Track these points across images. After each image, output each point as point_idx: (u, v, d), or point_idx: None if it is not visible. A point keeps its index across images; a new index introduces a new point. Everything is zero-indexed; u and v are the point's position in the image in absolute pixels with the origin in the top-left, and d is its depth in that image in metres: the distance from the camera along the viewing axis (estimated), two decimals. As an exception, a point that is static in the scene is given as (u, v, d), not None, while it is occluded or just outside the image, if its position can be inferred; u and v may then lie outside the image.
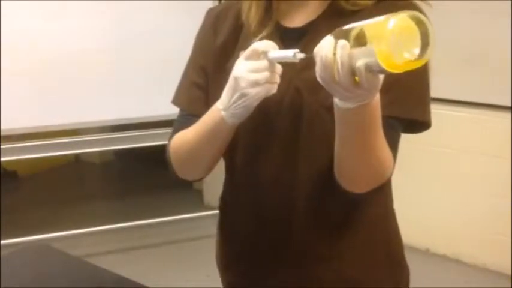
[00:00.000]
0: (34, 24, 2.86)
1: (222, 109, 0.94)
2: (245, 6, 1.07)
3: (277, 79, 0.91)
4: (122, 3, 2.99)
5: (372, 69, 0.69)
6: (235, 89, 0.90)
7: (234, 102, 0.91)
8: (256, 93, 0.89)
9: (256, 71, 0.88)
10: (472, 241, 3.10)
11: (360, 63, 0.69)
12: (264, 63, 0.89)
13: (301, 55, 0.83)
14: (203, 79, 1.11)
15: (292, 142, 1.02)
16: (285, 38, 1.03)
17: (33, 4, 2.84)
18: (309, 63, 0.90)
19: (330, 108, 0.98)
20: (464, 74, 2.93)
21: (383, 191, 1.07)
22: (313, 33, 1.00)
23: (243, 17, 1.07)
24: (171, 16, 3.00)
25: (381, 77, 0.73)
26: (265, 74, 0.88)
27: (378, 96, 0.80)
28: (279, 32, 1.04)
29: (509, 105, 2.80)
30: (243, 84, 0.89)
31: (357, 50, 0.70)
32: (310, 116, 0.99)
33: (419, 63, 0.68)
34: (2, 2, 2.75)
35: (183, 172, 1.11)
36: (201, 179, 1.14)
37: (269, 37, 1.03)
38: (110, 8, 2.98)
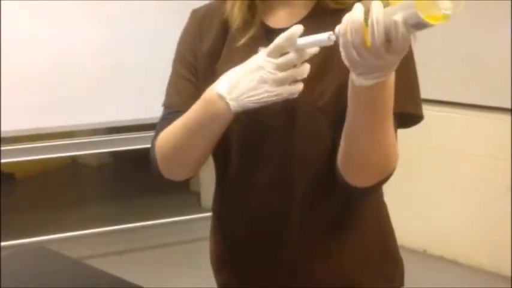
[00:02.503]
0: (32, 27, 2.86)
1: (229, 98, 0.88)
2: (228, 3, 1.06)
3: (305, 74, 0.86)
4: (119, 6, 3.00)
5: (408, 23, 0.68)
6: (257, 84, 0.86)
7: (251, 96, 0.87)
8: (278, 94, 0.86)
9: (284, 67, 0.85)
10: (469, 242, 3.10)
11: (397, 16, 0.68)
12: (290, 57, 0.85)
13: (334, 37, 0.79)
14: (193, 75, 1.08)
15: (286, 143, 1.02)
16: (272, 39, 1.02)
17: (32, 8, 2.84)
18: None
19: (323, 109, 0.98)
20: (465, 76, 2.93)
21: None
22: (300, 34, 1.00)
23: (226, 14, 1.06)
24: (167, 18, 3.00)
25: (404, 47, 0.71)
26: (295, 73, 0.85)
27: (392, 75, 0.80)
28: (265, 32, 1.03)
29: (509, 107, 2.81)
30: (269, 81, 0.85)
31: (390, 8, 0.70)
32: (304, 117, 0.99)
33: (448, 17, 0.67)
34: (2, 5, 2.75)
35: (169, 170, 1.05)
36: (187, 179, 1.08)
37: (255, 38, 1.03)
38: (106, 11, 2.98)
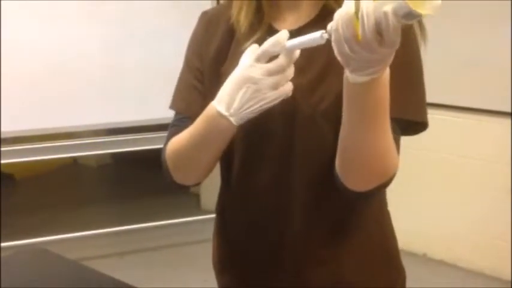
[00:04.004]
0: (33, 28, 2.87)
1: (228, 115, 0.90)
2: (235, 8, 1.06)
3: (293, 73, 0.88)
4: (119, 7, 3.00)
5: (398, 14, 0.69)
6: (252, 94, 0.87)
7: (249, 107, 0.88)
8: (275, 98, 0.87)
9: (275, 72, 0.86)
10: (469, 246, 3.10)
11: (386, 7, 0.68)
12: (281, 62, 0.86)
13: (327, 35, 0.79)
14: (200, 81, 1.10)
15: (287, 147, 1.02)
16: None
17: (33, 9, 2.84)
18: (303, 67, 0.89)
19: (323, 113, 0.98)
20: (465, 80, 2.94)
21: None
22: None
23: (232, 19, 1.06)
24: (168, 19, 3.01)
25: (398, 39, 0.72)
26: (286, 75, 0.86)
27: (387, 72, 0.80)
28: (271, 34, 1.04)
29: (509, 111, 2.81)
30: (262, 88, 0.86)
31: (380, 1, 0.70)
32: (304, 121, 0.99)
33: (438, 8, 0.68)
34: (2, 5, 2.75)
35: (180, 177, 1.08)
36: (197, 184, 1.12)
37: (261, 40, 1.03)
38: (106, 12, 2.98)
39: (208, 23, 1.13)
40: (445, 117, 2.99)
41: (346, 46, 0.73)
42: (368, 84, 0.79)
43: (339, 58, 0.76)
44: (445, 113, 2.98)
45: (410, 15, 0.68)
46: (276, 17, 1.06)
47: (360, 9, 0.70)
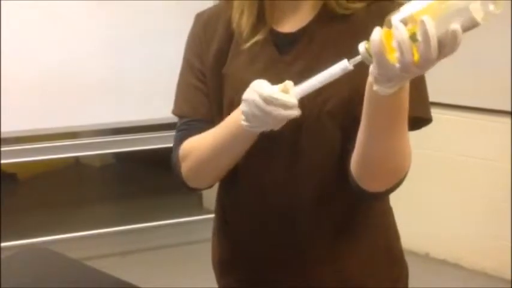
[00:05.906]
0: (33, 28, 2.87)
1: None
2: (236, 12, 1.05)
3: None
4: (121, 7, 3.00)
5: (465, 28, 0.69)
6: (273, 120, 0.87)
7: (274, 126, 0.90)
8: (294, 111, 0.87)
9: (288, 108, 0.86)
10: (471, 246, 3.09)
11: (454, 25, 0.68)
12: (293, 100, 0.86)
13: (356, 60, 0.79)
14: (202, 82, 1.09)
15: (294, 147, 1.02)
16: (279, 43, 1.03)
17: (33, 9, 2.84)
18: (309, 68, 0.89)
19: (330, 113, 0.98)
20: (465, 79, 2.93)
21: None
22: (307, 38, 1.01)
23: (234, 24, 1.06)
24: (170, 19, 3.00)
25: None
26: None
27: None
28: (272, 37, 1.04)
29: (509, 110, 2.80)
30: (280, 116, 0.86)
31: (436, 21, 0.69)
32: (311, 121, 0.99)
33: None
34: (2, 7, 2.76)
35: (195, 181, 1.09)
36: (209, 187, 1.12)
37: (263, 42, 1.03)
38: (109, 12, 2.98)
39: (206, 24, 1.12)
40: (444, 116, 2.98)
41: (400, 69, 0.72)
42: (395, 94, 0.79)
43: (377, 77, 0.76)
44: (444, 112, 2.97)
45: (473, 27, 0.68)
46: (277, 18, 1.05)
47: (422, 31, 0.69)
